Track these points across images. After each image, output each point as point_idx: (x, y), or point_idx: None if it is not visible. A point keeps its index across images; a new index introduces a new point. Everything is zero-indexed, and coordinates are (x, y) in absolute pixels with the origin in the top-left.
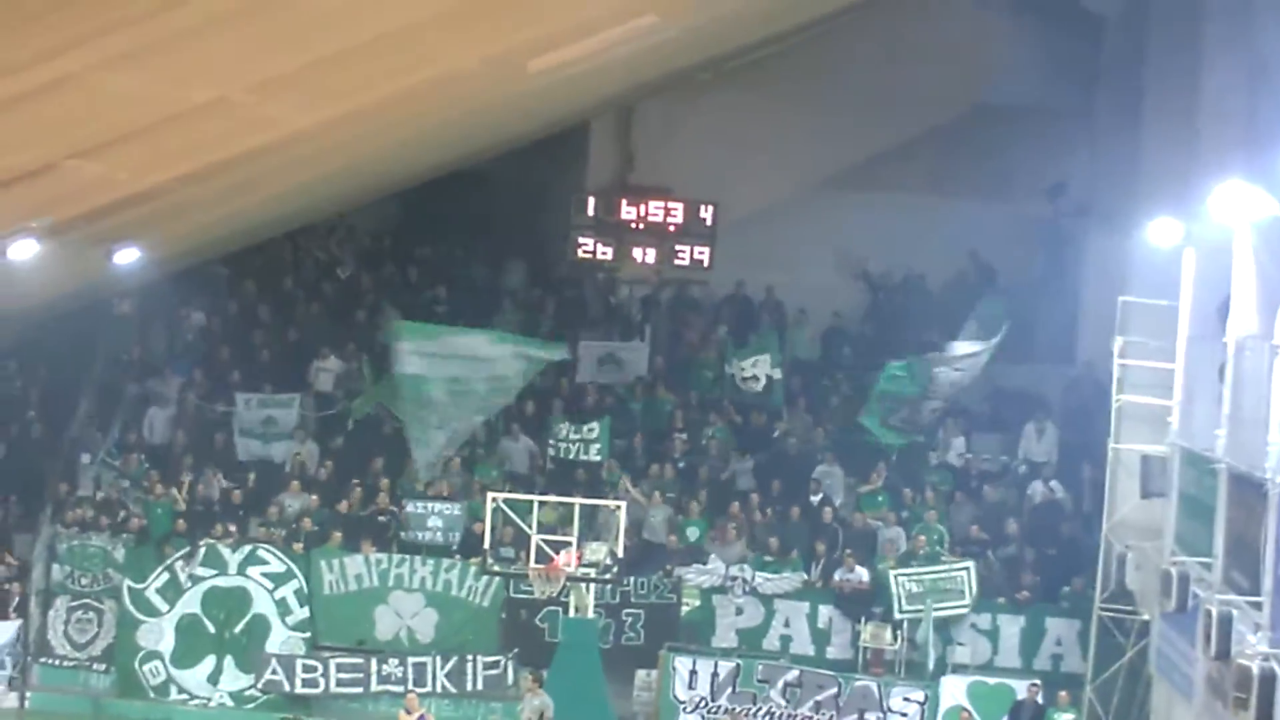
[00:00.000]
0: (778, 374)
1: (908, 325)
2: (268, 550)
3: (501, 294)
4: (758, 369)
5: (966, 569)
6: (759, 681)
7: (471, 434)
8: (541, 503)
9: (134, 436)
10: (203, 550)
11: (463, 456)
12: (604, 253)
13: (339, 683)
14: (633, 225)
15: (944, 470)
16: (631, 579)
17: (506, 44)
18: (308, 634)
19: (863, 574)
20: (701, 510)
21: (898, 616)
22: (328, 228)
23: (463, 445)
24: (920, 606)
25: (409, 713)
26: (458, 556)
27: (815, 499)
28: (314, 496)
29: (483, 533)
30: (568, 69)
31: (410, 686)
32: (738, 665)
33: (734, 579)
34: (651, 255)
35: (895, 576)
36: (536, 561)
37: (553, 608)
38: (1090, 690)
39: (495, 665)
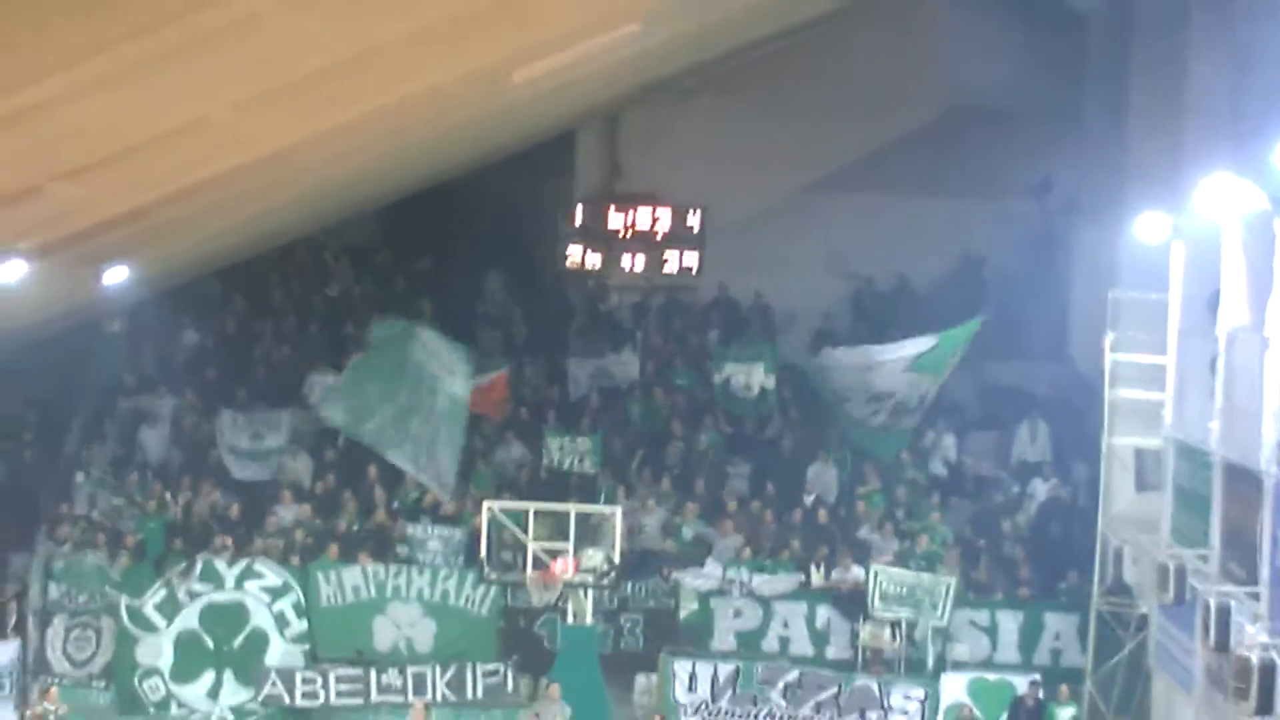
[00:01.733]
0: (771, 382)
1: (896, 325)
2: (265, 564)
3: (487, 305)
4: (751, 378)
5: (948, 584)
6: (759, 683)
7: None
8: (537, 511)
9: (128, 454)
10: (199, 565)
11: (460, 468)
12: (592, 261)
13: (339, 694)
14: (621, 233)
15: (937, 469)
16: (629, 584)
17: (491, 56)
18: (306, 646)
19: (859, 573)
20: (697, 514)
21: (876, 616)
22: (315, 243)
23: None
24: (893, 612)
25: None
26: (455, 566)
27: (809, 499)
28: (305, 506)
29: (479, 542)
30: (552, 79)
31: (410, 696)
32: (737, 667)
33: (731, 581)
34: (640, 263)
35: (876, 576)
36: (533, 569)
37: (551, 615)
38: (1090, 684)
39: (495, 673)
